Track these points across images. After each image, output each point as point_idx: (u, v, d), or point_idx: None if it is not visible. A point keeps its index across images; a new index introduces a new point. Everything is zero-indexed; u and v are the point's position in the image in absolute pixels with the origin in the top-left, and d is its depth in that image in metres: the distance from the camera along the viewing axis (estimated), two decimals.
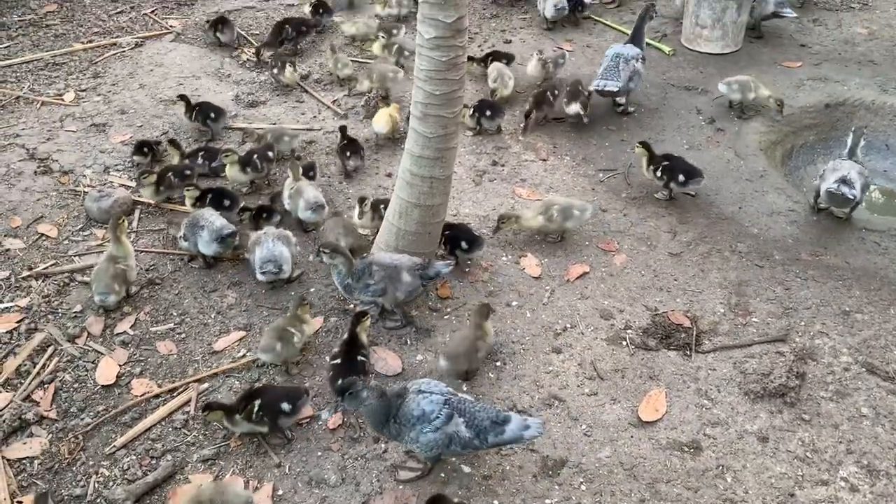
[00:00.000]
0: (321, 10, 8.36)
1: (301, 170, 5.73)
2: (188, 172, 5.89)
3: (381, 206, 5.40)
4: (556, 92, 6.74)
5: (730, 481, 3.98)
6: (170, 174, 5.82)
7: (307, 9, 8.42)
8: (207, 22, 8.31)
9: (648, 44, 8.13)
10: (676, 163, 5.88)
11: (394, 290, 4.67)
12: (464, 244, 5.23)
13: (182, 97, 6.70)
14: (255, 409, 4.03)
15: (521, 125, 6.61)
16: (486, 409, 3.80)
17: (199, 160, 6.13)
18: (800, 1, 8.83)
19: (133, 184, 6.10)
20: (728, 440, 4.18)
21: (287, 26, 7.86)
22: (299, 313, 4.64)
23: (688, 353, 4.71)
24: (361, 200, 5.50)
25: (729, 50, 7.95)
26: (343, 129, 6.36)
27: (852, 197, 5.43)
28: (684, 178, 5.80)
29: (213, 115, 6.61)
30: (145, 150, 6.28)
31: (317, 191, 5.62)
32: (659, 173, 5.88)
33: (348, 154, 6.19)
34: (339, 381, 4.00)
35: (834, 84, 7.37)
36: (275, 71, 7.31)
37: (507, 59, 7.44)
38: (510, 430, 3.74)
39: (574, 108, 6.54)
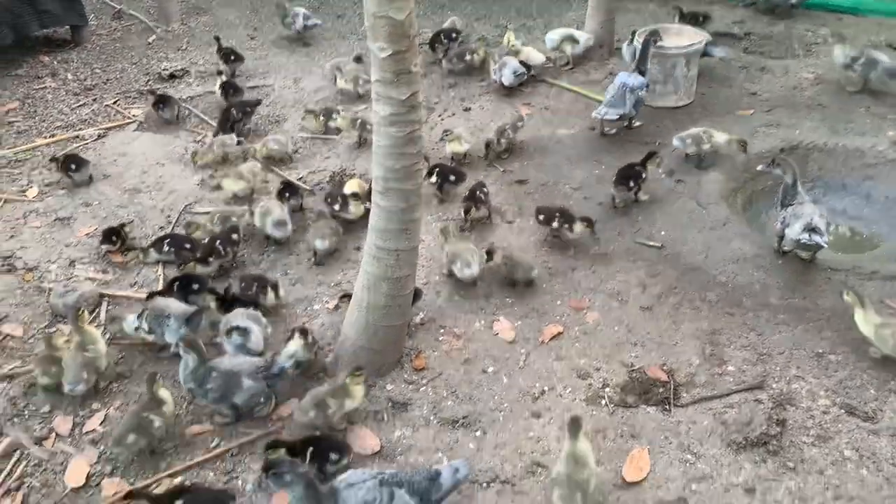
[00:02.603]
0: (231, 90, 8.56)
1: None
2: (234, 237, 6.12)
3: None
4: (486, 189, 6.61)
5: None
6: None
7: (217, 89, 8.61)
8: (151, 93, 8.65)
9: (587, 95, 8.38)
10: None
11: (232, 397, 4.61)
12: (332, 455, 4.31)
13: None
14: None
15: (463, 221, 6.50)
16: (419, 472, 3.89)
17: (165, 248, 6.10)
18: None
19: (99, 276, 6.06)
20: (715, 494, 4.13)
21: (232, 110, 7.99)
22: (348, 382, 4.58)
23: (667, 407, 4.68)
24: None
25: (682, 103, 8.16)
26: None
27: (825, 245, 5.51)
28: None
29: (73, 166, 7.16)
30: (113, 238, 6.28)
31: (283, 210, 6.27)
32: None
33: (287, 195, 6.59)
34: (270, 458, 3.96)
35: (787, 129, 7.56)
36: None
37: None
38: (445, 480, 3.84)
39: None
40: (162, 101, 8.39)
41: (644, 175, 6.57)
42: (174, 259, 6.11)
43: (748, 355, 5.01)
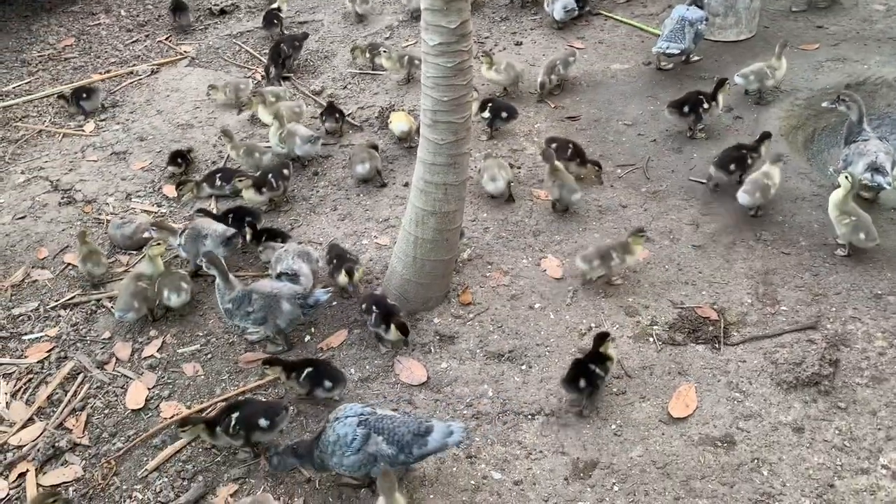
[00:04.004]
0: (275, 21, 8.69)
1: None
2: (286, 172, 6.08)
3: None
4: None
5: (766, 474, 3.89)
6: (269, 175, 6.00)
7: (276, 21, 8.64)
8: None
9: (643, 29, 8.12)
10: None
11: (274, 319, 4.69)
12: (326, 383, 4.39)
13: None
14: (232, 422, 4.07)
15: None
16: (408, 423, 3.79)
17: (217, 182, 6.19)
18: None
19: (154, 209, 6.20)
20: (762, 432, 4.10)
21: (282, 45, 7.98)
22: (630, 241, 5.02)
23: (716, 346, 4.63)
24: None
25: (744, 37, 7.83)
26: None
27: (888, 186, 5.31)
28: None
29: (85, 95, 7.50)
30: (179, 160, 6.47)
31: (311, 131, 6.44)
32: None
33: (325, 118, 6.87)
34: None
35: (853, 64, 7.21)
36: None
37: None
38: (433, 439, 3.74)
39: None
40: (179, 9, 8.92)
41: (711, 104, 6.39)
42: (226, 193, 6.21)
43: (802, 295, 4.90)
